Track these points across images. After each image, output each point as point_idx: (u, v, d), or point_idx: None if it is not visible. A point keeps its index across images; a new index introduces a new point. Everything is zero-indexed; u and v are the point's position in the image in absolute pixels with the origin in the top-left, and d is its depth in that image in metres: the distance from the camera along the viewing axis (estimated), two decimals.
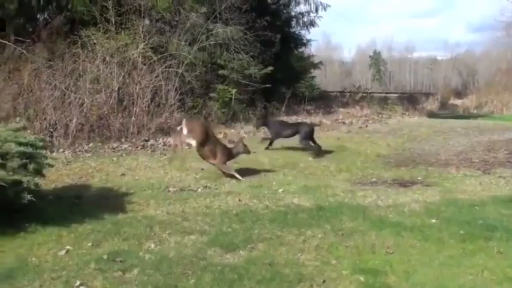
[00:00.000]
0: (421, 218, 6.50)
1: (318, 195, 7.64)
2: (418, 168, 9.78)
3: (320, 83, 26.94)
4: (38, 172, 6.16)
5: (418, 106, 27.78)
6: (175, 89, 13.99)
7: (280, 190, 7.94)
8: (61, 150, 10.69)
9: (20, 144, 5.92)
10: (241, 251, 5.40)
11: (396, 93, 38.40)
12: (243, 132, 13.93)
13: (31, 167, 5.92)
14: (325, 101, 22.95)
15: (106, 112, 12.50)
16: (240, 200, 7.34)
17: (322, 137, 13.10)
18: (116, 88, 12.94)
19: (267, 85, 17.05)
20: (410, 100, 29.41)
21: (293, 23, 22.37)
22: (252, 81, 16.82)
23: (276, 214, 6.63)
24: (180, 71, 14.42)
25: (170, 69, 14.23)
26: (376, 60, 58.88)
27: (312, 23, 22.55)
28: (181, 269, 4.89)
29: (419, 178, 8.91)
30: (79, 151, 10.63)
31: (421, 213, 6.71)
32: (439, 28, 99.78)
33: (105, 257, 5.13)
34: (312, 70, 24.98)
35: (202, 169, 9.17)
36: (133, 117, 12.67)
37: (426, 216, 6.56)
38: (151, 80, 13.47)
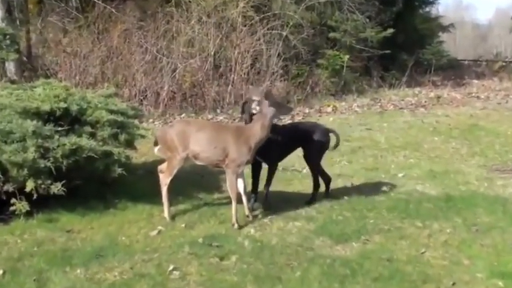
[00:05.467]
0: None
1: (447, 183, 7.44)
2: None
3: (449, 50, 25.90)
4: (129, 143, 6.45)
5: None
6: (278, 54, 14.04)
7: (400, 175, 7.82)
8: (151, 120, 11.13)
9: (111, 112, 6.21)
10: (353, 243, 5.37)
11: None
12: (356, 106, 13.77)
13: (122, 137, 6.20)
14: (455, 70, 22.10)
15: (200, 79, 12.82)
16: (352, 184, 7.32)
17: (451, 114, 12.69)
18: (212, 52, 13.21)
19: (386, 51, 16.66)
20: None
21: None
22: (367, 46, 16.53)
23: (395, 202, 6.52)
24: (285, 34, 14.42)
25: (273, 31, 14.28)
26: None
27: None
28: (285, 259, 4.94)
29: None
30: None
31: None
32: None
33: (200, 240, 5.29)
34: (439, 34, 24.08)
35: None
36: (230, 86, 12.91)
37: None
38: (252, 43, 13.60)
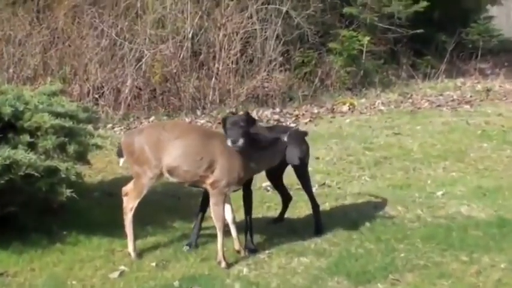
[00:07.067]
0: None
1: (500, 203, 7.48)
2: None
3: (501, 28, 26.02)
4: (81, 157, 6.44)
5: None
6: (277, 37, 14.06)
7: (439, 193, 7.86)
8: (109, 125, 11.12)
9: (57, 115, 6.19)
10: (379, 284, 5.40)
11: None
12: (380, 103, 13.80)
13: (71, 148, 6.19)
14: (509, 55, 22.20)
15: (175, 70, 12.83)
16: (376, 207, 7.33)
17: (505, 113, 12.73)
18: (190, 35, 13.22)
19: (418, 31, 16.71)
20: None
21: None
22: (393, 25, 16.56)
23: (432, 229, 6.57)
24: (285, 9, 14.44)
25: (269, 6, 14.29)
26: None
27: None
28: None
29: None
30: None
31: None
32: None
33: (176, 284, 5.31)
34: (488, 7, 24.22)
35: (318, 158, 9.19)
36: (214, 79, 12.92)
37: None
38: (242, 22, 13.61)
